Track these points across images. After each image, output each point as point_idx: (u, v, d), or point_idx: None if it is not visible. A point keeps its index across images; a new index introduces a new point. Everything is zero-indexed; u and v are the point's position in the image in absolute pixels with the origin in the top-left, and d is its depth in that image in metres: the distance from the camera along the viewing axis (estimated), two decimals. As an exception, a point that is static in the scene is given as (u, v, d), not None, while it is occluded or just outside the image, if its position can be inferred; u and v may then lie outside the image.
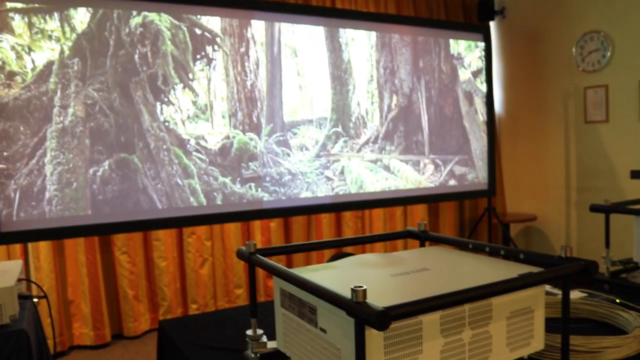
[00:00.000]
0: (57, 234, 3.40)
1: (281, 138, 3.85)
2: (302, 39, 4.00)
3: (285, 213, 4.23)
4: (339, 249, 2.37)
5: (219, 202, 3.64)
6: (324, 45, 4.12)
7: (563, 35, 5.17)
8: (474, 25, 5.19)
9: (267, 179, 3.81)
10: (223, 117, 3.64)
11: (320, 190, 4.04)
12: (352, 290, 1.06)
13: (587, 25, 4.96)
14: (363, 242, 1.79)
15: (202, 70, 3.59)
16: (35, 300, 2.39)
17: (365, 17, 4.49)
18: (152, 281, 4.31)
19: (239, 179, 3.69)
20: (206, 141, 3.58)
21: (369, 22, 4.37)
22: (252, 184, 3.75)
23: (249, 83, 3.76)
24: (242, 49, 3.75)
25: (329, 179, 4.06)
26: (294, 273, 1.30)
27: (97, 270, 4.11)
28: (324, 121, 4.05)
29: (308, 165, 3.97)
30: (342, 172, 4.14)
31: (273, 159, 3.84)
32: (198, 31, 3.57)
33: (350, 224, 5.05)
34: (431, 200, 5.05)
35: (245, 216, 4.00)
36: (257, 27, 3.78)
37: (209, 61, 3.63)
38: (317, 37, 4.11)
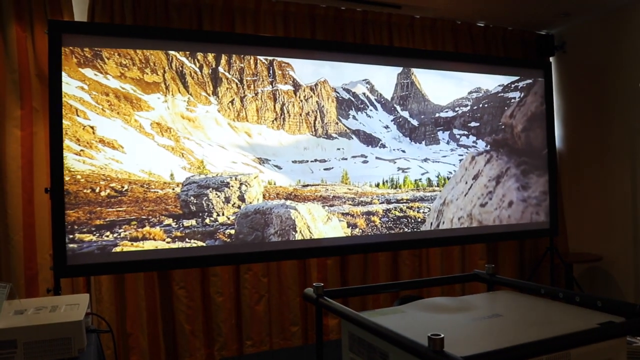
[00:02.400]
0: (119, 269, 3.49)
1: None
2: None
3: (342, 251, 4.21)
4: (408, 290, 2.32)
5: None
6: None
7: (629, 70, 5.00)
8: (534, 62, 5.13)
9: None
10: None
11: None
12: (430, 338, 1.03)
13: (655, 59, 4.81)
14: (431, 285, 1.76)
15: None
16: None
17: (425, 56, 4.52)
18: (209, 316, 4.33)
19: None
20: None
21: (428, 60, 4.38)
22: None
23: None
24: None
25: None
26: (365, 318, 1.27)
27: (155, 304, 4.16)
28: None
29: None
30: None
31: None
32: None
33: (407, 262, 4.96)
34: (491, 239, 4.93)
35: (301, 254, 4.01)
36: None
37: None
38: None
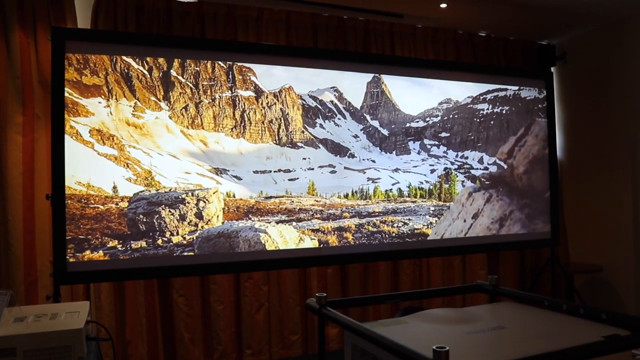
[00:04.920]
0: (119, 276, 3.47)
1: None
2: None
3: (344, 260, 4.20)
4: (412, 301, 2.28)
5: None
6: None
7: (630, 80, 5.02)
8: (536, 71, 5.14)
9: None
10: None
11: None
12: (435, 351, 1.02)
13: (657, 69, 4.81)
14: (435, 295, 1.75)
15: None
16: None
17: (427, 65, 4.53)
18: (208, 325, 4.31)
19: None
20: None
21: (429, 70, 4.39)
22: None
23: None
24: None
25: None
26: (369, 329, 1.26)
27: (155, 312, 4.14)
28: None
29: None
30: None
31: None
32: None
33: (408, 271, 4.95)
34: (492, 249, 4.92)
35: (302, 262, 3.99)
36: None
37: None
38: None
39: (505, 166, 4.58)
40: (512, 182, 4.59)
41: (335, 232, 3.88)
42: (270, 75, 3.80)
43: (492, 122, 4.64)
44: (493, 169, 4.56)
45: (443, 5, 4.58)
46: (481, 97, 4.62)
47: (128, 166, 3.26)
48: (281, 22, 4.59)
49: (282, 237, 3.63)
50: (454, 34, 5.31)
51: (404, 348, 1.13)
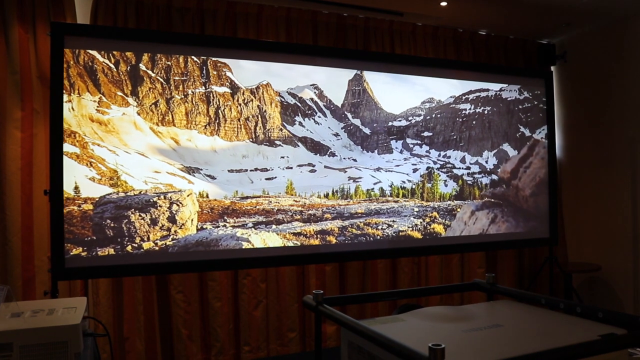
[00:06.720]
0: (118, 272, 3.46)
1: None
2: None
3: (342, 258, 4.19)
4: (410, 299, 2.26)
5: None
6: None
7: (629, 79, 5.01)
8: (536, 71, 5.13)
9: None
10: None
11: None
12: (430, 348, 1.02)
13: (657, 70, 4.80)
14: (432, 293, 1.75)
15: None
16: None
17: (426, 63, 4.52)
18: (206, 321, 4.31)
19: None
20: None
21: (429, 68, 4.39)
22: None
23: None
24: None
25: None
26: (365, 327, 1.26)
27: (153, 308, 4.14)
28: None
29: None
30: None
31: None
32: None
33: (406, 269, 4.95)
34: (490, 248, 4.93)
35: (300, 260, 3.99)
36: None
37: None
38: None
39: (510, 186, 4.58)
40: (517, 203, 4.59)
41: (318, 236, 3.78)
42: (238, 67, 3.65)
43: (474, 122, 4.63)
44: (475, 168, 4.56)
45: (443, 4, 4.58)
46: (463, 97, 4.59)
47: (91, 165, 3.07)
48: (281, 19, 4.58)
49: (265, 246, 3.53)
50: (454, 32, 5.31)
51: (400, 345, 1.13)
